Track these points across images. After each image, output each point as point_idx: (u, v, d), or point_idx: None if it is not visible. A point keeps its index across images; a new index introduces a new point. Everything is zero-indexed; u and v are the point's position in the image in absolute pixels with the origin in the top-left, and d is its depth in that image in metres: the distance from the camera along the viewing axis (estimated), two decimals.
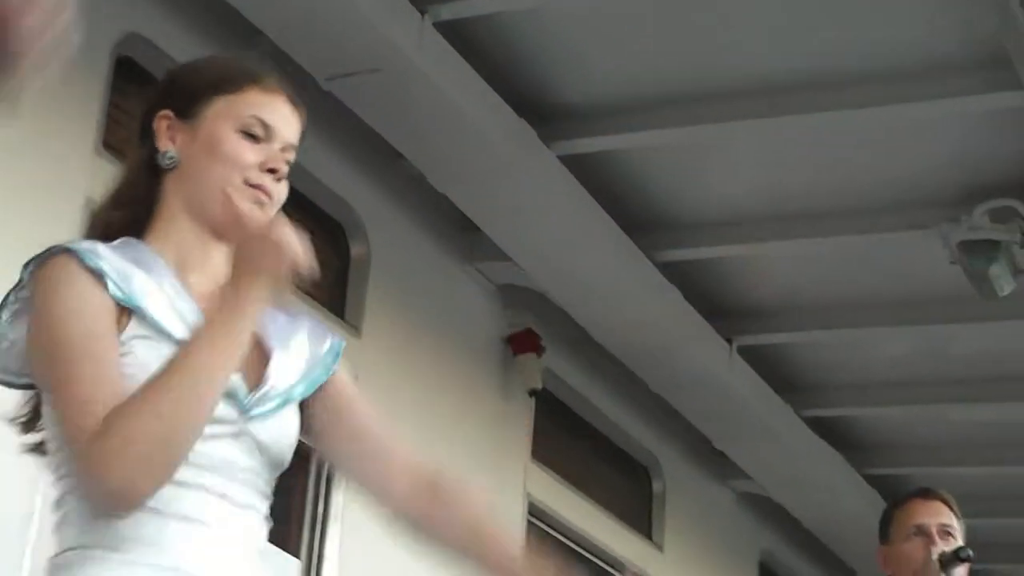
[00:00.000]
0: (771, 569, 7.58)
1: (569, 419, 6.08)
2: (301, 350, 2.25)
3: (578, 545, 6.01)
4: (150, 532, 2.01)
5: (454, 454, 5.10)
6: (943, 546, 4.35)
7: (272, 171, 2.18)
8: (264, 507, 2.15)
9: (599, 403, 6.08)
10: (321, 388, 2.25)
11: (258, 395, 2.13)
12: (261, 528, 2.14)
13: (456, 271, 5.28)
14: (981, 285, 5.06)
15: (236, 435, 2.10)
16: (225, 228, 2.17)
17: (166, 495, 2.01)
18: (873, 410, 6.72)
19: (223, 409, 2.07)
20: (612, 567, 6.23)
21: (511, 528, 2.31)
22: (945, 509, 4.44)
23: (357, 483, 2.42)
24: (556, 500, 5.72)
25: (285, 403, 2.18)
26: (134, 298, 2.06)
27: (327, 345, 2.29)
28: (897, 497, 4.63)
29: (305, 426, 2.24)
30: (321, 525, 4.56)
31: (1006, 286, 5.04)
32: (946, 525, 4.40)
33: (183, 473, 2.02)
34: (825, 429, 6.79)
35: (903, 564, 4.38)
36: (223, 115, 2.18)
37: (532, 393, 5.48)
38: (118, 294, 2.05)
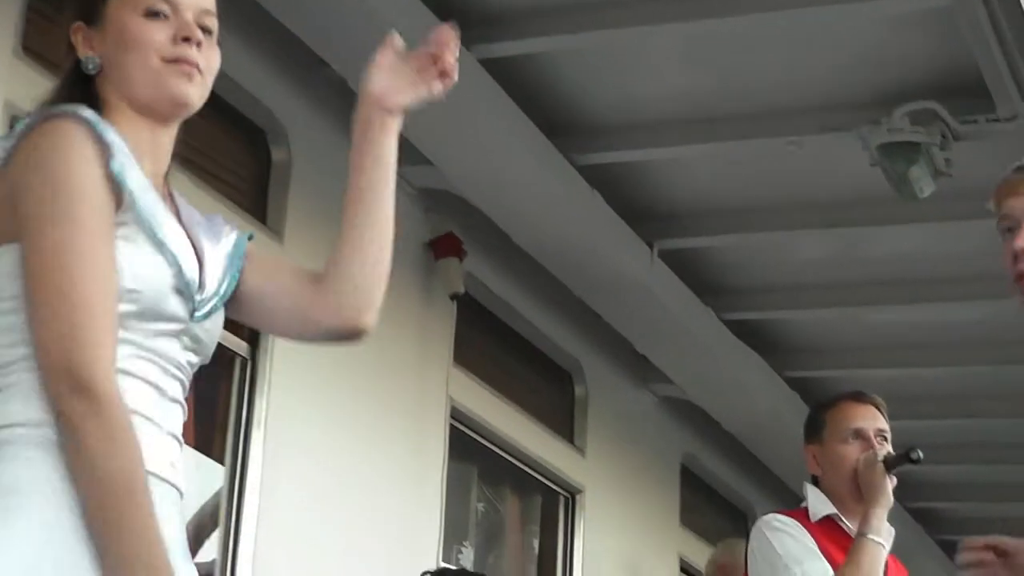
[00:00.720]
0: (692, 471, 7.65)
1: (491, 323, 6.08)
2: (223, 247, 2.31)
3: (501, 449, 6.03)
4: None
5: (376, 358, 5.10)
6: (883, 450, 4.39)
7: (187, 39, 2.18)
8: (183, 397, 2.20)
9: (521, 307, 6.08)
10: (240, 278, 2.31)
11: (202, 297, 2.20)
12: (182, 418, 2.20)
13: None
14: (901, 187, 5.09)
15: (179, 333, 2.17)
16: (163, 110, 2.20)
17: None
18: (793, 313, 6.76)
19: (178, 308, 2.16)
20: (535, 471, 6.26)
21: None
22: (879, 414, 4.49)
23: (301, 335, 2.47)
24: (478, 404, 5.73)
25: (220, 303, 2.25)
26: (127, 182, 2.10)
27: (233, 237, 2.33)
28: (823, 398, 4.67)
29: (245, 311, 2.32)
30: (244, 431, 4.55)
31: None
32: (882, 430, 4.45)
33: (132, 364, 2.09)
34: (746, 332, 6.83)
35: (838, 465, 4.41)
36: (123, 6, 2.20)
37: (454, 297, 5.48)
38: (118, 173, 2.09)
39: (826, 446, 4.46)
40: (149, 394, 2.12)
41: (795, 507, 4.59)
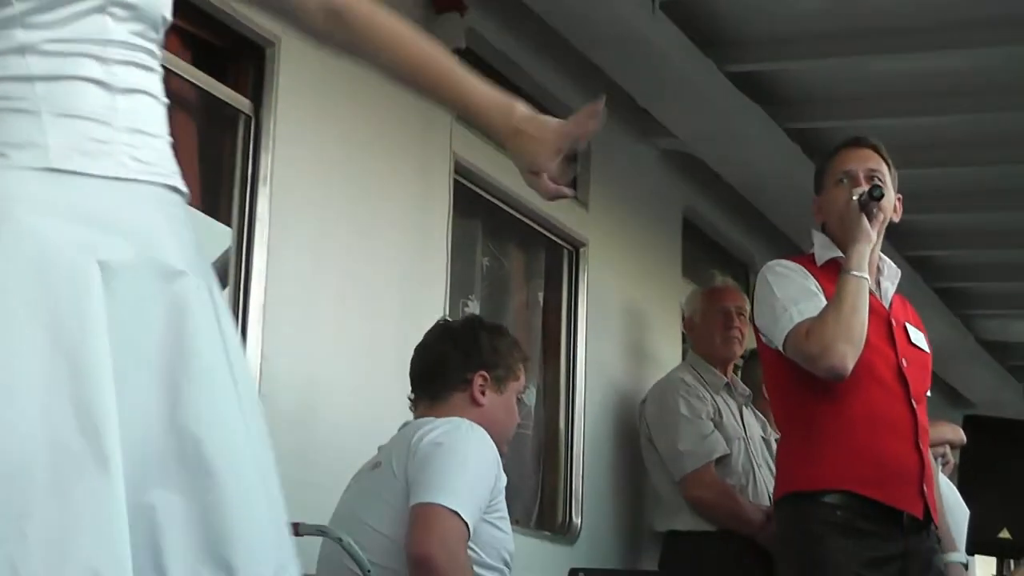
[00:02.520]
0: (694, 224, 7.69)
1: (493, 78, 6.00)
2: None
3: (505, 204, 6.06)
4: (29, 134, 1.93)
5: (380, 115, 5.11)
6: (860, 189, 4.46)
7: None
8: (152, 84, 2.06)
9: (521, 61, 6.05)
10: None
11: None
12: (153, 109, 2.06)
13: None
14: None
15: (102, 7, 1.99)
16: None
17: (38, 93, 1.94)
18: (794, 64, 6.73)
19: None
20: (539, 225, 6.31)
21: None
22: (874, 155, 4.54)
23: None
24: (482, 159, 5.73)
25: None
26: None
27: None
28: (824, 149, 4.72)
29: None
30: (250, 190, 4.57)
31: None
32: (873, 170, 4.51)
33: (61, 65, 1.95)
34: (747, 84, 6.80)
35: (831, 208, 4.50)
36: None
37: (455, 52, 5.43)
38: None
39: (825, 193, 4.55)
40: (89, 91, 1.96)
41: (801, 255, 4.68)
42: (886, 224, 4.51)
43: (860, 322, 4.29)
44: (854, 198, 4.42)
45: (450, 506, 3.80)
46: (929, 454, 4.52)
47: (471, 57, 5.63)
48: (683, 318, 6.70)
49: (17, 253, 1.86)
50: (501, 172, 5.90)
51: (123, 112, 1.98)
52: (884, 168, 4.53)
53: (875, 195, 4.41)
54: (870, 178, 4.48)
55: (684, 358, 6.88)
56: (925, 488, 4.41)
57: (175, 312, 1.96)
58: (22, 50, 1.94)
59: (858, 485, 4.32)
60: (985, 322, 10.34)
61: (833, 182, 4.53)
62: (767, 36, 6.53)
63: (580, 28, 5.94)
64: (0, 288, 1.85)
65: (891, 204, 4.52)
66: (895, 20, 6.24)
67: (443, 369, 4.29)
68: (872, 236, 4.41)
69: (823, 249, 4.55)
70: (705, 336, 6.44)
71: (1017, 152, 7.26)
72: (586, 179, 6.58)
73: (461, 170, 5.61)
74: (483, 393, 4.26)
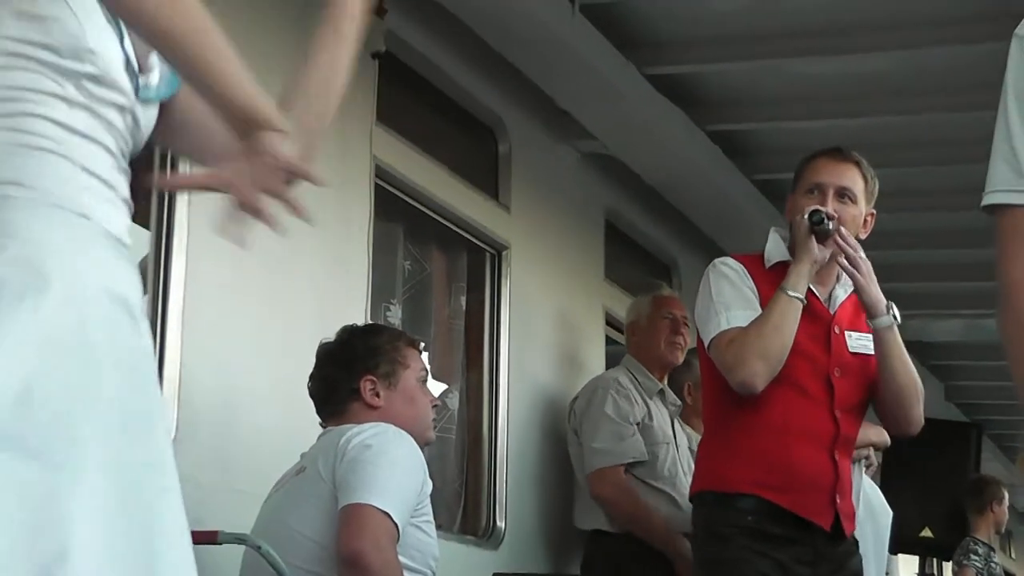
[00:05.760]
0: (616, 226, 7.69)
1: (413, 81, 6.03)
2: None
3: (426, 207, 6.04)
4: (57, 174, 2.10)
5: None
6: (828, 207, 4.37)
7: None
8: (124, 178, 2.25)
9: (442, 64, 6.03)
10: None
11: (145, 80, 2.24)
12: (126, 182, 2.25)
13: None
14: None
15: (125, 110, 2.19)
16: None
17: (68, 143, 2.10)
18: (714, 66, 6.74)
19: (126, 81, 2.18)
20: (460, 229, 6.28)
21: None
22: (851, 170, 4.44)
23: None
24: (402, 162, 5.71)
25: (159, 96, 2.29)
26: None
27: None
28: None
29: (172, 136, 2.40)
30: (168, 194, 4.52)
31: None
32: (846, 188, 4.40)
33: (91, 127, 2.13)
34: (667, 86, 6.82)
35: (793, 215, 4.44)
36: None
37: (375, 56, 5.42)
38: None
39: (795, 195, 4.48)
40: (107, 159, 2.15)
41: (750, 252, 4.60)
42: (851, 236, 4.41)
43: (781, 343, 4.27)
44: (804, 216, 4.35)
45: (380, 506, 3.84)
46: (850, 464, 4.51)
47: (391, 60, 5.61)
48: (627, 322, 6.65)
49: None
50: (422, 175, 5.89)
51: (121, 185, 2.21)
52: (860, 184, 4.42)
53: (814, 220, 4.30)
54: (840, 196, 4.39)
55: (606, 361, 6.88)
56: (838, 499, 4.39)
57: (145, 359, 2.20)
58: (68, 101, 2.11)
59: (767, 491, 4.32)
60: (906, 322, 10.34)
61: (802, 189, 4.45)
62: (687, 38, 6.54)
63: (501, 31, 5.93)
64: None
65: (857, 221, 4.44)
66: (814, 22, 6.27)
67: (332, 389, 4.32)
68: (815, 256, 4.33)
69: (774, 251, 4.49)
70: (649, 340, 6.43)
71: (936, 153, 7.32)
72: (507, 182, 6.57)
73: (381, 173, 5.58)
74: (377, 395, 4.28)
